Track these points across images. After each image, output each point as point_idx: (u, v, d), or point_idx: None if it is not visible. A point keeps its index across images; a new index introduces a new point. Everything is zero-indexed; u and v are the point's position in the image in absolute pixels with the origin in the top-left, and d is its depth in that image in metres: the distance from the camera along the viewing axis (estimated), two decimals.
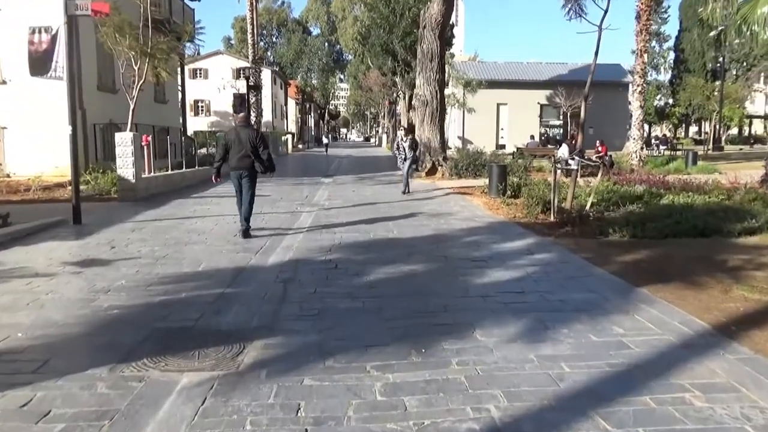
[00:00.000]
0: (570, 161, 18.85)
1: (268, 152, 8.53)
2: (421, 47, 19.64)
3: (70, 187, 13.90)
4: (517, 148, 26.13)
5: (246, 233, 8.33)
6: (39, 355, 3.89)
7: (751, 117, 56.12)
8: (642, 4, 19.94)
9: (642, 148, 20.96)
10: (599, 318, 4.59)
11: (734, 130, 59.73)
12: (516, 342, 4.10)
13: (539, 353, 3.87)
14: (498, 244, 7.69)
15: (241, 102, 24.79)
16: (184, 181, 15.74)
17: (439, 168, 19.59)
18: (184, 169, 16.31)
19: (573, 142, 19.31)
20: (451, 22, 20.57)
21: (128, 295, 5.37)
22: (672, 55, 61.24)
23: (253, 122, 36.72)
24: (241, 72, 23.93)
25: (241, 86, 34.76)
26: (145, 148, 13.96)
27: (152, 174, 13.84)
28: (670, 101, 60.52)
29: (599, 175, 10.23)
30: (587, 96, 11.24)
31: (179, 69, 26.48)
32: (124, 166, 12.19)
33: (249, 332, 4.34)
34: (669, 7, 60.36)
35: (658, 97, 62.67)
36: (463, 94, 37.07)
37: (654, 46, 63.90)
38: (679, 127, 65.12)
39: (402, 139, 13.92)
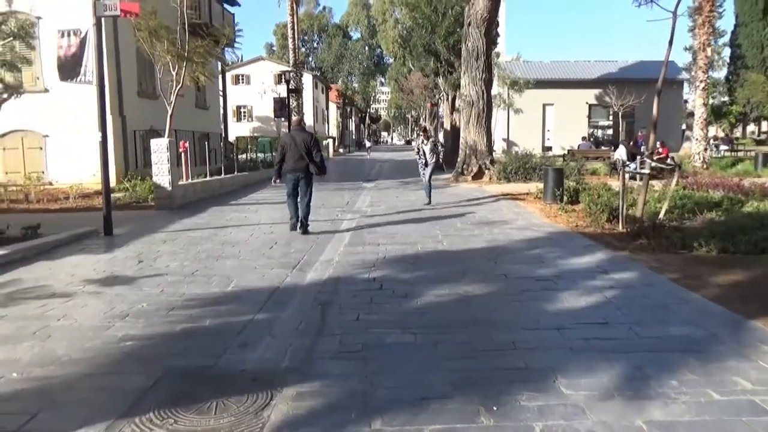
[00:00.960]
0: (636, 164, 17.56)
1: (321, 155, 9.08)
2: (465, 45, 18.73)
3: None
4: (568, 150, 24.83)
5: (305, 230, 8.87)
6: (29, 405, 3.24)
7: None
8: None
9: (705, 149, 19.46)
10: (713, 364, 3.66)
11: None
12: (613, 398, 3.21)
13: (648, 418, 2.98)
14: (564, 259, 6.76)
15: (281, 106, 24.48)
16: (223, 188, 15.29)
17: (486, 171, 18.61)
18: (222, 175, 15.85)
19: (632, 143, 17.99)
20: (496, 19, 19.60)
21: (147, 321, 4.72)
22: (728, 51, 58.22)
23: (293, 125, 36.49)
24: (282, 76, 23.49)
25: (282, 91, 34.60)
26: (183, 154, 13.56)
27: (189, 181, 13.41)
28: (726, 99, 57.51)
29: (674, 179, 9.12)
30: (659, 91, 10.07)
31: (220, 74, 26.38)
32: (160, 173, 11.76)
33: (278, 375, 3.60)
34: (724, 0, 57.35)
35: (713, 95, 59.69)
36: (508, 94, 35.89)
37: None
38: (736, 127, 61.76)
39: (423, 143, 12.49)
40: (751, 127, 63.47)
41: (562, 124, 39.84)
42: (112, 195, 13.73)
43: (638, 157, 16.99)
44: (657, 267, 6.27)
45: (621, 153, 17.51)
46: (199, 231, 9.30)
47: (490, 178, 18.31)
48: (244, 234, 9.00)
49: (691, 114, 27.11)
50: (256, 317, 4.83)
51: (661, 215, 8.64)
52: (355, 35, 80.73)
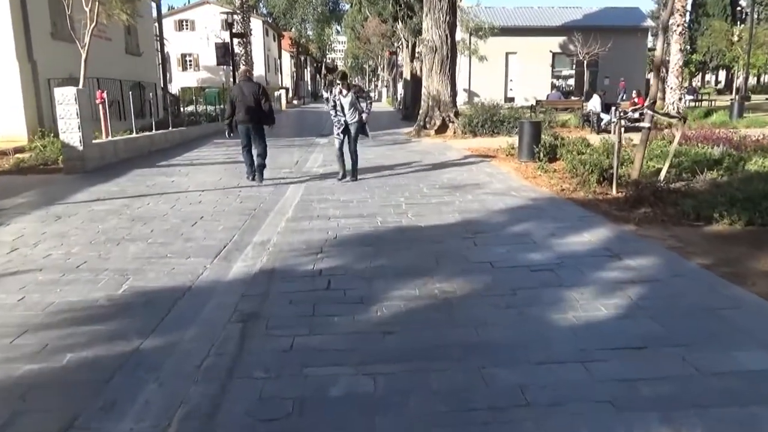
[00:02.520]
0: (612, 115, 16.30)
1: (269, 105, 9.05)
2: None
3: (15, 156, 11.64)
4: (537, 101, 23.51)
5: (261, 177, 9.09)
6: None
7: None
8: None
9: (680, 99, 18.42)
10: None
11: (752, 79, 56.54)
12: None
13: None
14: (560, 237, 5.42)
15: (224, 52, 22.10)
16: (154, 146, 13.34)
17: (450, 125, 17.13)
18: (153, 131, 13.86)
19: (604, 92, 16.75)
20: None
21: None
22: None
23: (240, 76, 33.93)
24: (226, 18, 21.11)
25: (228, 37, 31.85)
26: (101, 106, 11.54)
27: (109, 138, 11.44)
28: (687, 48, 57.17)
29: (679, 133, 7.84)
30: (666, 27, 8.69)
31: (155, 14, 23.68)
32: (68, 130, 9.81)
33: None
34: None
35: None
36: (470, 40, 34.03)
37: None
38: (695, 76, 61.78)
39: (342, 94, 8.73)
40: (708, 77, 63.68)
41: (525, 73, 38.40)
42: (18, 155, 11.72)
43: (614, 108, 15.81)
44: (678, 247, 4.99)
45: (595, 103, 16.29)
46: (108, 202, 7.56)
47: (455, 132, 16.85)
48: (165, 205, 7.32)
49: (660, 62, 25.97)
50: (144, 346, 3.31)
51: (662, 176, 7.40)
52: None
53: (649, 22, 41.20)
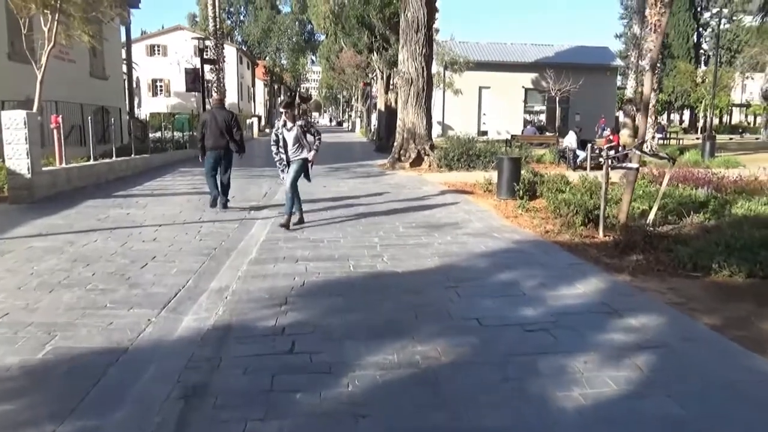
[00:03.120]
0: (587, 153, 16.11)
1: (240, 133, 9.13)
2: (405, 16, 16.68)
3: None
4: (512, 136, 23.46)
5: (225, 205, 9.03)
6: None
7: (735, 105, 54.71)
8: None
9: (653, 137, 18.48)
10: None
11: (714, 119, 58.29)
12: None
13: None
14: (550, 288, 4.92)
15: (194, 78, 21.54)
16: (112, 173, 12.59)
17: (425, 158, 16.77)
18: (113, 158, 13.10)
19: (580, 129, 16.68)
20: None
21: None
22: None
23: (212, 103, 33.30)
24: (197, 44, 20.60)
25: (199, 62, 31.24)
26: (56, 131, 10.80)
27: (63, 165, 10.67)
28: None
29: (667, 175, 7.52)
30: (655, 63, 8.48)
31: (124, 36, 23.03)
32: (15, 156, 9.04)
33: None
34: None
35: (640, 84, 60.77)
36: (444, 74, 34.14)
37: (635, 31, 62.06)
38: (661, 115, 63.51)
39: (285, 127, 7.43)
40: (673, 116, 65.46)
41: (498, 107, 38.73)
42: None
43: (589, 145, 15.70)
44: (680, 303, 4.54)
45: (571, 140, 16.16)
46: (50, 238, 6.82)
47: (430, 165, 16.50)
48: (114, 243, 6.62)
49: (630, 101, 26.38)
50: None
51: (650, 219, 7.03)
52: (285, 9, 76.76)
53: (619, 62, 42.22)
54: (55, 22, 10.89)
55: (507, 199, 10.00)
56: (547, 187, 10.35)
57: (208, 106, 33.15)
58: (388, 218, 8.41)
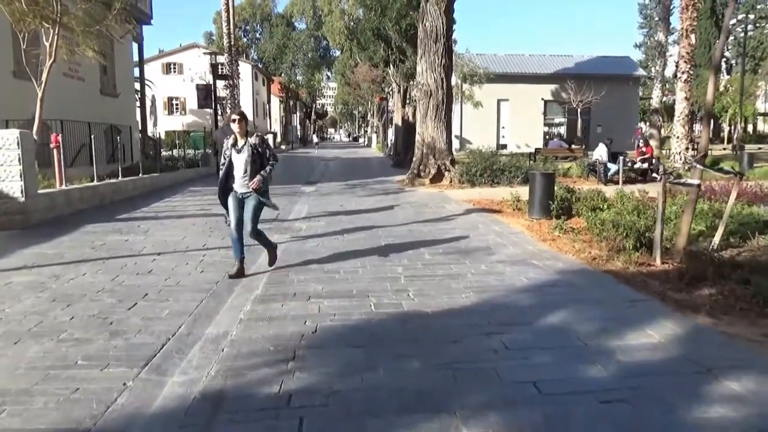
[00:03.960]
0: (619, 165, 15.07)
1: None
2: (423, 26, 15.98)
3: None
4: (536, 149, 22.55)
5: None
6: None
7: (760, 114, 53.12)
8: None
9: (687, 149, 17.46)
10: None
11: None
12: None
13: None
14: (615, 335, 4.03)
15: (206, 95, 21.04)
16: (119, 194, 11.95)
17: (446, 174, 15.96)
18: (120, 177, 12.48)
19: (610, 141, 15.71)
20: None
21: None
22: (675, 49, 58.19)
23: (224, 120, 32.84)
24: (209, 59, 20.10)
25: (219, 82, 30.86)
26: (56, 151, 10.18)
27: (63, 187, 10.03)
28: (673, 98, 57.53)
29: (734, 192, 6.56)
30: (718, 66, 7.57)
31: (137, 53, 22.64)
32: (7, 178, 8.40)
33: None
34: None
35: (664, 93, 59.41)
36: (461, 86, 33.38)
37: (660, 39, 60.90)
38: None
39: (234, 145, 5.73)
40: (696, 126, 63.91)
41: (516, 120, 37.88)
42: None
43: (621, 157, 14.77)
44: None
45: (601, 152, 15.21)
46: (35, 271, 6.09)
47: (451, 181, 15.67)
48: (104, 276, 5.87)
49: (656, 111, 25.43)
50: None
51: (715, 243, 6.10)
52: (301, 26, 76.91)
53: (641, 71, 41.16)
54: (56, 37, 10.31)
55: (540, 219, 9.11)
56: (583, 204, 9.47)
57: (220, 123, 32.90)
58: (412, 243, 7.57)
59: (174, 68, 47.81)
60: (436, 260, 6.50)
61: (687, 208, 6.08)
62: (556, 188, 10.02)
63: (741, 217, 7.56)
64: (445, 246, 7.31)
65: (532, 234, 8.12)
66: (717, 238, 6.14)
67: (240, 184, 5.72)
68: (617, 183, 14.70)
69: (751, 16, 37.72)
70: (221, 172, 5.83)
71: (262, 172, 5.67)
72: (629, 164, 15.06)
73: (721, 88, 51.94)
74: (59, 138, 10.05)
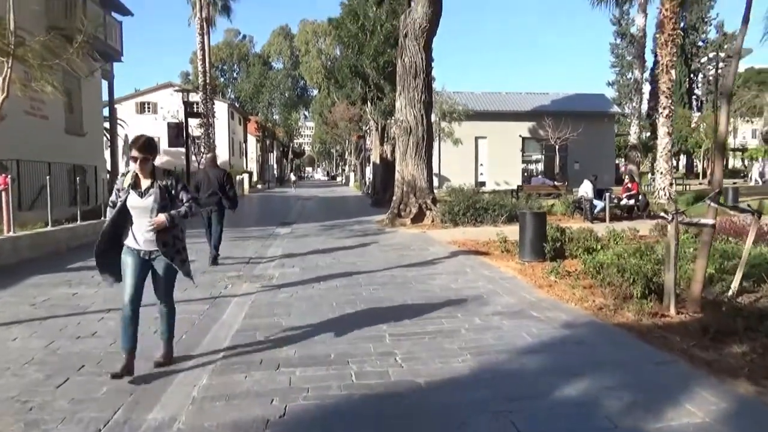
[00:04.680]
0: (605, 202, 14.54)
1: (234, 190, 9.38)
2: (402, 61, 15.63)
3: None
4: (518, 186, 22.19)
5: (215, 261, 9.02)
6: None
7: (732, 150, 54.20)
8: (666, 10, 16.48)
9: (671, 184, 17.20)
10: None
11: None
12: None
13: None
14: (649, 412, 3.33)
15: (177, 133, 20.31)
16: (75, 239, 11.03)
17: (428, 213, 15.36)
18: (79, 221, 11.58)
19: (595, 177, 15.34)
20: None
21: None
22: (647, 87, 59.56)
23: (198, 160, 32.12)
24: (182, 96, 19.48)
25: (191, 120, 30.27)
26: (3, 194, 9.31)
27: (10, 234, 9.12)
28: (649, 134, 58.48)
29: (753, 231, 6.00)
30: (728, 94, 7.12)
31: (106, 90, 21.94)
32: None
33: None
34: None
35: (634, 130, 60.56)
36: (439, 123, 33.25)
37: (630, 78, 62.36)
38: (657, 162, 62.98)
39: (132, 189, 4.12)
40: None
41: (495, 157, 37.82)
42: None
43: (607, 194, 14.36)
44: None
45: (586, 189, 14.79)
46: None
47: (433, 221, 15.07)
48: (38, 342, 5.00)
49: (634, 147, 25.43)
50: None
51: (733, 289, 5.50)
52: (278, 66, 77.22)
53: (616, 108, 41.73)
54: (9, 70, 9.55)
55: (532, 262, 8.48)
56: (576, 245, 8.89)
57: (196, 163, 32.22)
58: (397, 291, 6.84)
59: (148, 108, 47.03)
60: (425, 313, 5.77)
61: (701, 250, 5.48)
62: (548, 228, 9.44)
63: (751, 257, 7.01)
64: (433, 295, 6.59)
65: (526, 279, 7.45)
66: (735, 284, 5.55)
67: (143, 238, 4.09)
68: (603, 220, 14.27)
69: (722, 54, 38.57)
70: (107, 220, 4.17)
71: (173, 212, 4.10)
72: (615, 201, 14.66)
73: (693, 125, 53.12)
74: (8, 180, 9.20)
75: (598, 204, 14.37)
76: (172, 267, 4.21)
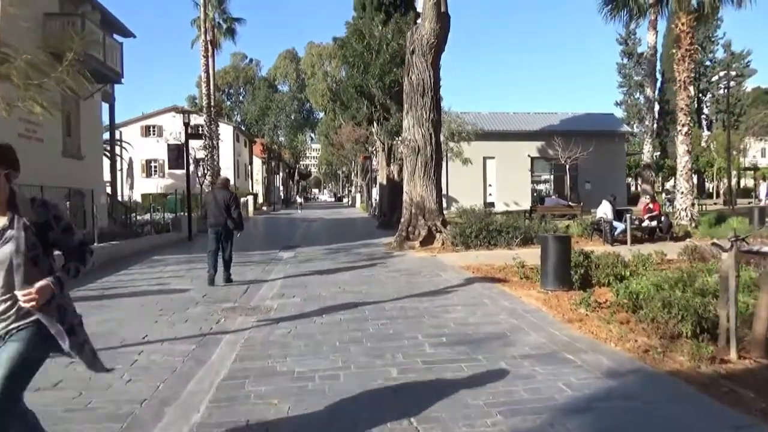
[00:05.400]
0: (626, 224, 13.67)
1: (239, 212, 9.52)
2: (409, 79, 15.05)
3: None
4: (532, 207, 21.45)
5: (229, 280, 9.29)
6: None
7: (744, 169, 53.29)
8: (683, 24, 15.86)
9: (693, 204, 16.39)
10: None
11: (724, 183, 56.72)
12: None
13: None
14: None
15: (177, 155, 19.78)
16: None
17: (438, 235, 14.61)
18: (96, 243, 10.88)
19: (614, 197, 14.56)
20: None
21: None
22: (656, 107, 58.93)
23: (201, 182, 31.63)
24: (182, 117, 18.99)
25: (195, 143, 29.84)
26: None
27: None
28: (659, 153, 57.62)
29: None
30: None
31: (107, 111, 21.51)
32: None
33: None
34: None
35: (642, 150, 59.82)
36: (446, 142, 32.63)
37: (638, 98, 61.87)
38: (668, 180, 62.01)
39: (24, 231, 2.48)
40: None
41: (503, 178, 37.13)
42: None
43: (628, 215, 13.58)
44: None
45: (606, 210, 14.00)
46: None
47: (443, 244, 14.31)
48: None
49: (648, 166, 24.71)
50: None
51: None
52: (284, 89, 77.30)
53: (626, 128, 41.07)
54: None
55: (556, 291, 7.69)
56: (604, 271, 8.12)
57: (198, 186, 31.72)
58: (407, 327, 6.08)
59: (153, 131, 46.87)
60: (440, 356, 5.00)
61: (765, 284, 4.70)
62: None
63: None
64: (449, 333, 5.82)
65: (552, 312, 6.67)
66: None
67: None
68: (624, 243, 13.47)
69: (733, 73, 37.95)
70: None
71: (60, 273, 2.53)
72: (636, 222, 13.87)
73: (703, 143, 52.34)
74: None
75: (619, 226, 13.58)
76: (32, 350, 2.46)
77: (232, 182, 40.57)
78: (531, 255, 11.22)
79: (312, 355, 5.12)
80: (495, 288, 8.33)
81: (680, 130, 16.39)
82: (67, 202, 12.27)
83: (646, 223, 14.03)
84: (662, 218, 14.06)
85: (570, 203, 20.64)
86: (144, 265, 11.93)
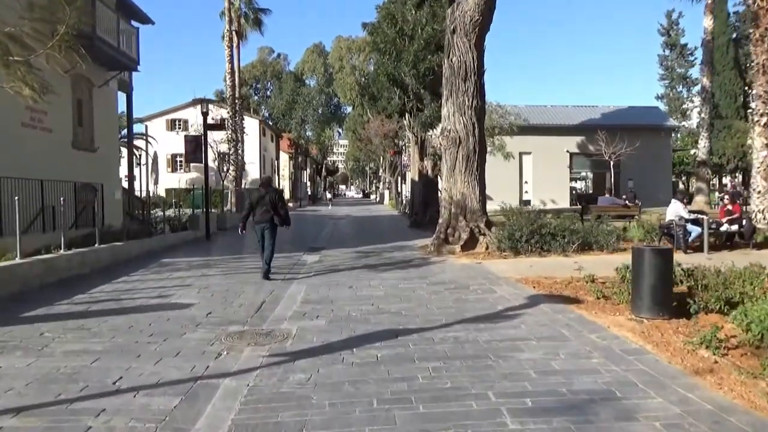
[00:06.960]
0: (705, 227, 11.85)
1: (285, 209, 9.86)
2: (449, 62, 13.34)
3: None
4: (582, 206, 19.54)
5: (266, 275, 9.23)
6: None
7: None
8: (762, 0, 13.80)
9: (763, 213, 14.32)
10: None
11: None
12: None
13: None
14: None
15: (195, 147, 18.42)
16: (53, 274, 8.97)
17: (481, 238, 12.91)
18: (62, 250, 9.56)
19: (684, 197, 12.66)
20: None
21: None
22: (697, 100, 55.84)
23: (230, 176, 30.45)
24: (200, 106, 17.66)
25: (218, 134, 28.67)
26: None
27: None
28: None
29: None
30: None
31: (125, 100, 20.33)
32: None
33: None
34: (695, 48, 55.36)
35: (687, 146, 56.80)
36: (488, 134, 30.76)
37: (681, 91, 58.82)
38: (713, 178, 58.84)
39: None
40: (725, 180, 60.85)
41: (540, 174, 35.09)
42: None
43: (705, 218, 11.67)
44: None
45: (677, 210, 12.06)
46: None
47: (487, 248, 12.61)
48: None
49: (703, 163, 22.53)
50: None
51: None
52: (311, 83, 76.09)
53: (672, 122, 38.57)
54: None
55: (654, 319, 5.95)
56: (713, 294, 6.33)
57: (224, 181, 30.64)
58: (470, 376, 4.44)
59: (179, 124, 46.02)
60: None
61: None
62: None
63: None
64: (532, 387, 4.16)
65: (662, 353, 4.94)
66: None
67: None
68: (699, 250, 11.60)
69: None
70: None
71: None
72: (714, 226, 11.94)
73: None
74: None
75: (694, 230, 11.67)
76: None
77: (256, 177, 39.44)
78: (594, 264, 9.50)
79: (338, 424, 3.54)
80: (570, 312, 6.61)
81: (758, 121, 14.33)
82: (62, 198, 10.89)
83: (724, 228, 12.07)
84: (743, 222, 12.09)
85: (627, 203, 18.63)
86: (149, 270, 10.52)
